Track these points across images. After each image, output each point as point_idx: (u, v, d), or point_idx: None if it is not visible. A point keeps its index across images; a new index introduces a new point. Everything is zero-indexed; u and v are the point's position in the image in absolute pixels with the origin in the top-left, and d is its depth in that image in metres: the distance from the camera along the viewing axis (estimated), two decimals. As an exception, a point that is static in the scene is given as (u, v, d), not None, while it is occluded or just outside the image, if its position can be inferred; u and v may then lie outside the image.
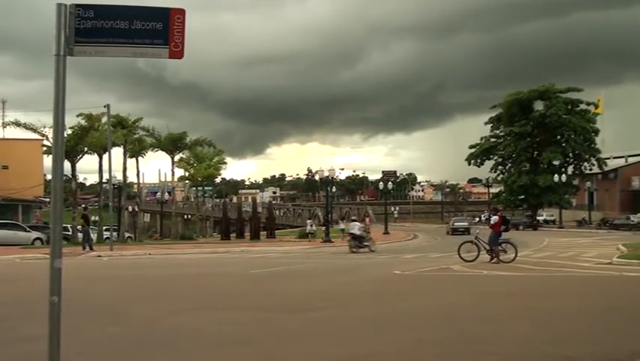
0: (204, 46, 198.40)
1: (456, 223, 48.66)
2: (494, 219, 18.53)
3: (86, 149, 39.01)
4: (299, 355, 6.30)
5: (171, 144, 47.72)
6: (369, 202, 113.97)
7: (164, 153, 48.97)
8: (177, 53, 3.96)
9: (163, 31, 3.90)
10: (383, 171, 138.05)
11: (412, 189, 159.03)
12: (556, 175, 53.67)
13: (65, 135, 4.67)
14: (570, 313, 8.78)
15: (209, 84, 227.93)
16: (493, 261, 17.41)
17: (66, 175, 36.32)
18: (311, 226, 38.01)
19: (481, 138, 63.55)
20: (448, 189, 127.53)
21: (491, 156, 62.55)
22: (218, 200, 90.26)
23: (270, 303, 10.11)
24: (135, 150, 46.05)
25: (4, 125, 42.25)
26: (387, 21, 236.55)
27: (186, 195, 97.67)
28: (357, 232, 25.90)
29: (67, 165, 36.91)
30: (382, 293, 11.57)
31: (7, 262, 21.76)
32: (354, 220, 29.31)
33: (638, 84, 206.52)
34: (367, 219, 47.49)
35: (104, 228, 38.58)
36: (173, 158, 48.61)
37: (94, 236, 32.86)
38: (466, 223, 48.40)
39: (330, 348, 6.47)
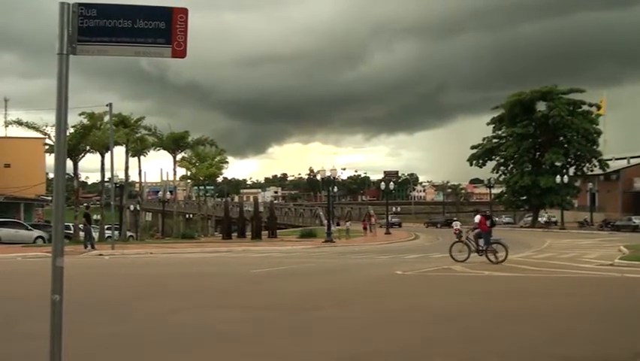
0: (207, 45, 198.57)
1: (393, 219, 64.11)
2: (477, 218, 18.92)
3: (88, 148, 39.04)
4: (300, 354, 6.30)
5: (173, 143, 47.76)
6: (370, 202, 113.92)
7: (166, 152, 49.06)
8: (180, 53, 3.96)
9: (166, 30, 3.90)
10: (385, 172, 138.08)
11: (414, 189, 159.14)
12: (558, 176, 53.59)
13: (67, 134, 4.62)
14: (571, 313, 8.78)
15: (212, 83, 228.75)
16: (484, 261, 17.64)
17: (68, 174, 36.38)
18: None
19: (483, 139, 63.43)
20: (449, 190, 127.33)
21: (493, 157, 62.42)
22: (219, 199, 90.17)
23: (272, 302, 10.11)
24: (137, 149, 46.04)
25: (7, 123, 42.30)
26: (390, 21, 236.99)
27: (188, 194, 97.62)
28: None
29: (69, 163, 36.97)
30: (384, 293, 11.57)
31: (9, 261, 21.80)
32: (455, 220, 35.91)
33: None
34: (373, 219, 47.63)
35: (106, 226, 38.65)
36: (175, 157, 48.66)
37: (96, 235, 32.91)
38: (398, 219, 68.16)
39: (332, 347, 6.47)
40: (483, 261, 17.42)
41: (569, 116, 56.06)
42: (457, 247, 18.48)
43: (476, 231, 18.67)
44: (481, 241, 18.15)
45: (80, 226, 33.14)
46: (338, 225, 42.01)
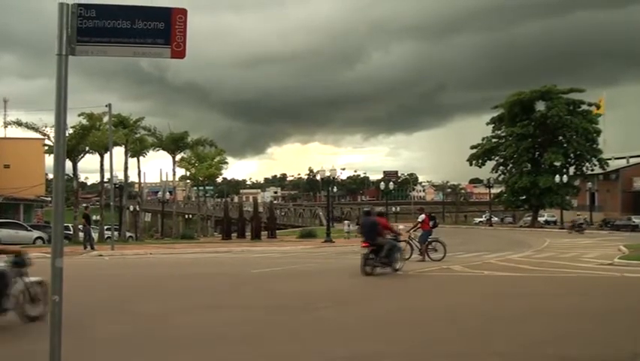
0: (206, 46, 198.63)
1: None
2: (421, 217, 19.31)
3: (87, 148, 39.01)
4: (300, 354, 6.30)
5: (172, 144, 47.72)
6: (370, 202, 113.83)
7: (165, 153, 49.02)
8: (179, 53, 3.96)
9: (165, 31, 3.90)
10: (384, 172, 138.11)
11: (414, 189, 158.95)
12: (557, 176, 53.57)
13: (67, 135, 4.64)
14: (571, 313, 8.77)
15: (211, 84, 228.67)
16: (420, 260, 18.05)
17: (67, 174, 36.35)
18: (348, 226, 38.81)
19: (483, 139, 63.40)
20: (449, 190, 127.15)
21: (493, 157, 62.38)
22: (219, 200, 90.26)
23: (272, 302, 10.11)
24: (136, 149, 46.01)
25: (6, 124, 42.28)
26: (389, 21, 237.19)
27: (187, 194, 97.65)
28: None
29: (68, 164, 36.95)
30: (384, 293, 11.58)
31: (8, 261, 21.74)
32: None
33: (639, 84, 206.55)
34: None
35: (106, 227, 38.61)
36: (174, 157, 48.61)
37: (95, 235, 32.87)
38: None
39: (332, 347, 6.47)
40: (485, 261, 17.41)
41: (568, 116, 56.03)
42: None
43: (419, 231, 19.12)
44: (421, 239, 18.74)
45: (80, 226, 33.10)
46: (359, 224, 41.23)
